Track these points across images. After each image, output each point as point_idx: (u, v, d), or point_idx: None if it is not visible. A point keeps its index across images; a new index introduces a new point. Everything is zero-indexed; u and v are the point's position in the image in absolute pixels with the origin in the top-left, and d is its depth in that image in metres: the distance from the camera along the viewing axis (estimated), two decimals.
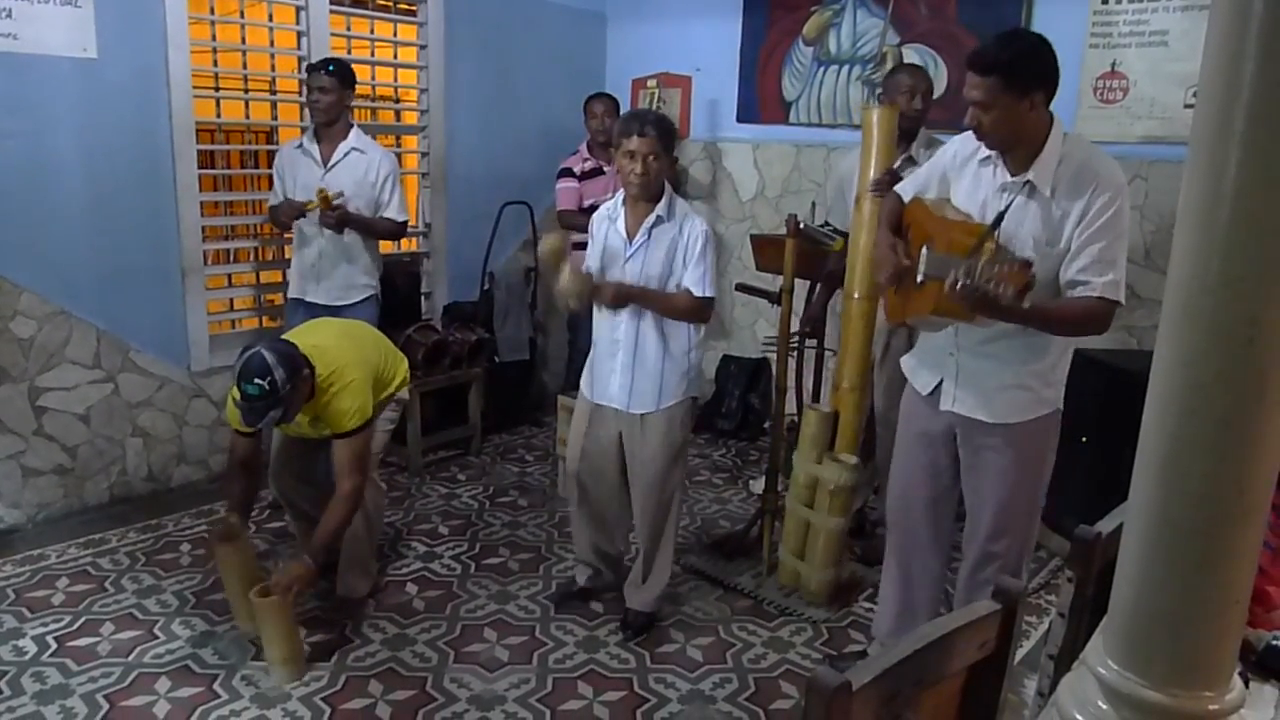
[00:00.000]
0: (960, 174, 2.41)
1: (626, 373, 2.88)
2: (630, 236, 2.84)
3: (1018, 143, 2.22)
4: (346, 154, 3.77)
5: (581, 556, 3.22)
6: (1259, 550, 1.04)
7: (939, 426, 2.51)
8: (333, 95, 3.68)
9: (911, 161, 3.37)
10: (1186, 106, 3.56)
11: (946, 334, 2.42)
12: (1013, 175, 2.26)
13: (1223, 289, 0.95)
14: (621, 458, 3.01)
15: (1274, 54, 0.90)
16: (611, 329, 2.89)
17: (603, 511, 3.11)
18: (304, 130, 3.92)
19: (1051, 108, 2.26)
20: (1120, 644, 1.08)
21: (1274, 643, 1.39)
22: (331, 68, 3.69)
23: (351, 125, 3.82)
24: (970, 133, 2.30)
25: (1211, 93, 0.95)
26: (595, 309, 2.93)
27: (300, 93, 3.76)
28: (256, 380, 2.56)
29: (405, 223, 3.94)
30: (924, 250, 2.22)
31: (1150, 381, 1.04)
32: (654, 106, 4.90)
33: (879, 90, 3.63)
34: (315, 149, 3.77)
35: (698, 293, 2.78)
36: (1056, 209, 2.21)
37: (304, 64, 4.03)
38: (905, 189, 2.56)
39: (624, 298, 2.75)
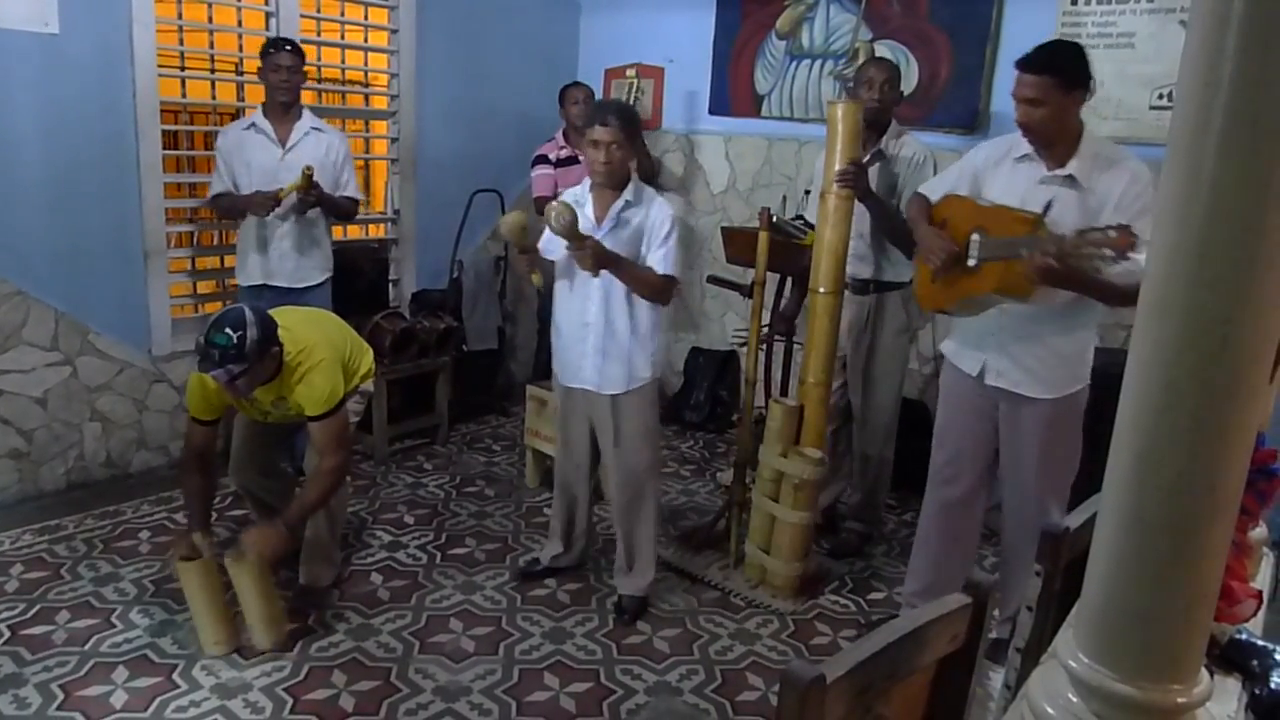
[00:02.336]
0: (994, 173, 2.63)
1: (598, 354, 2.93)
2: (599, 221, 2.89)
3: (1061, 138, 2.46)
4: (306, 134, 3.72)
5: (552, 536, 3.30)
6: (1229, 547, 1.06)
7: (986, 401, 2.73)
8: (299, 73, 3.66)
9: (881, 155, 3.36)
10: (1152, 108, 3.61)
11: (988, 316, 2.60)
12: (1050, 170, 2.49)
13: (1198, 288, 0.96)
14: (592, 440, 3.08)
15: (1253, 53, 0.90)
16: (581, 312, 2.93)
17: (574, 493, 3.19)
18: (240, 112, 3.81)
19: None
20: (1091, 637, 1.09)
21: (1237, 637, 1.41)
22: (290, 46, 3.64)
23: (303, 105, 3.78)
24: (998, 138, 2.66)
25: (1190, 92, 0.96)
26: (563, 292, 2.97)
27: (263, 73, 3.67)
28: (228, 330, 2.49)
29: (360, 201, 3.95)
30: (975, 236, 2.44)
31: (1125, 378, 1.05)
32: (633, 96, 4.88)
33: (849, 84, 3.62)
34: (270, 129, 3.68)
35: (661, 271, 2.85)
36: (1093, 199, 2.44)
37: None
38: (933, 189, 2.77)
39: (603, 258, 2.76)
